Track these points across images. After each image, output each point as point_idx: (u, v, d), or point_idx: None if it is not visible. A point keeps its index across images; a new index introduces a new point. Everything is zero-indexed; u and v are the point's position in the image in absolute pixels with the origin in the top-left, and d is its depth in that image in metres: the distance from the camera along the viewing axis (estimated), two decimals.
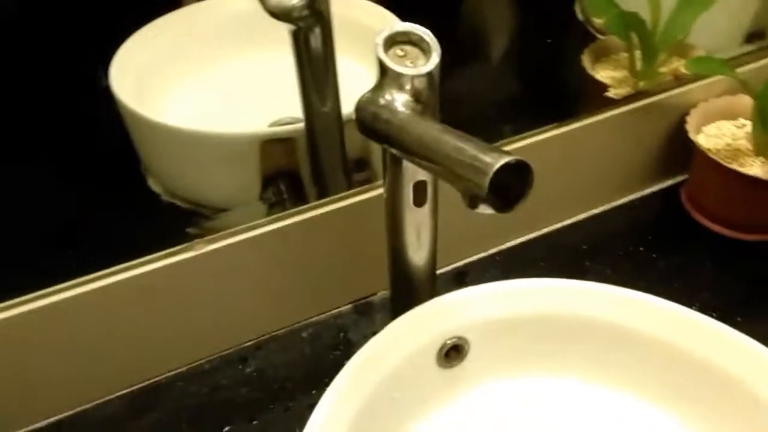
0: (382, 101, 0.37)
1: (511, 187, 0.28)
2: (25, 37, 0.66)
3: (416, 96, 0.36)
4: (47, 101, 0.69)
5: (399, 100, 0.36)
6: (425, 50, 0.37)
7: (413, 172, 0.41)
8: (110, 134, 0.69)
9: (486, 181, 0.27)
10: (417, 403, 0.46)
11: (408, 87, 0.36)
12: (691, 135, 0.61)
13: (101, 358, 0.51)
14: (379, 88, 0.37)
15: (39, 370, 0.49)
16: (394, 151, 0.37)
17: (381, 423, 0.44)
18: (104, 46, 0.67)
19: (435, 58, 0.36)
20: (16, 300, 0.47)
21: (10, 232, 0.59)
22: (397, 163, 0.40)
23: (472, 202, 0.28)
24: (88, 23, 0.71)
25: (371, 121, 0.37)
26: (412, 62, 0.37)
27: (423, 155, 0.33)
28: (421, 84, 0.36)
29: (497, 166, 0.27)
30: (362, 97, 0.38)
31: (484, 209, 0.28)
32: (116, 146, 0.67)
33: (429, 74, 0.36)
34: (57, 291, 0.48)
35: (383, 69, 0.37)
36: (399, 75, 0.36)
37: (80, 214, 0.63)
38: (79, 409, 0.52)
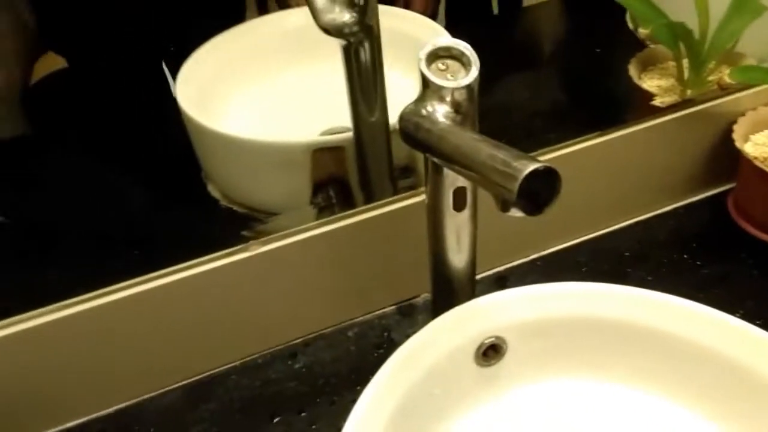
0: (423, 112, 0.39)
1: (540, 192, 0.30)
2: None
3: (456, 107, 0.39)
4: (123, 108, 0.75)
5: (440, 111, 0.39)
6: (465, 64, 0.39)
7: (453, 179, 0.43)
8: (175, 143, 0.74)
9: (516, 186, 0.29)
10: (455, 400, 0.48)
11: (448, 99, 0.39)
12: (738, 143, 0.61)
13: (162, 351, 0.55)
14: (421, 99, 0.40)
15: (106, 361, 0.53)
16: (434, 159, 0.39)
17: (420, 418, 0.46)
18: (176, 60, 0.72)
19: (474, 72, 0.38)
20: (85, 296, 0.51)
21: (83, 231, 0.64)
22: (438, 170, 0.42)
23: (504, 205, 0.30)
24: (163, 33, 0.76)
25: (413, 130, 0.39)
26: (452, 75, 0.39)
27: (460, 162, 0.35)
28: (460, 96, 0.38)
29: (526, 172, 0.29)
30: (405, 108, 0.41)
31: (515, 212, 0.30)
32: (180, 154, 0.72)
33: (468, 87, 0.38)
34: (123, 288, 0.51)
35: (425, 82, 0.39)
36: (440, 87, 0.38)
37: (146, 217, 0.68)
38: (140, 398, 0.56)
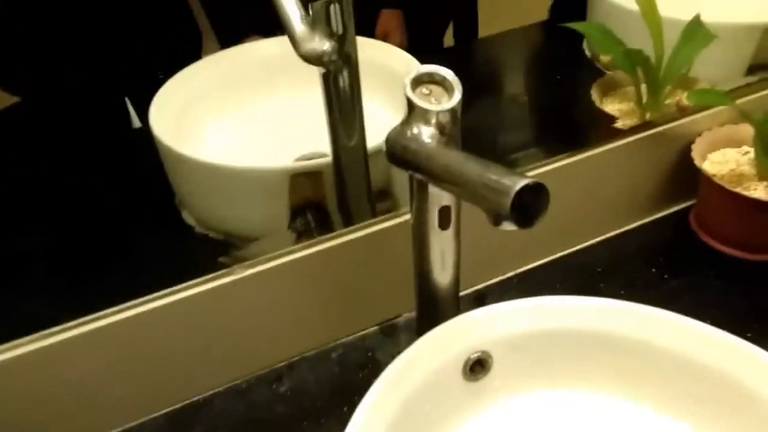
0: (409, 134, 0.41)
1: (529, 206, 0.31)
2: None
3: (441, 129, 0.40)
4: (90, 140, 0.74)
5: (425, 133, 0.40)
6: (448, 89, 0.41)
7: (438, 198, 0.44)
8: (144, 172, 0.73)
9: (508, 201, 0.30)
10: (445, 414, 0.48)
11: (433, 121, 0.40)
12: (697, 162, 0.65)
13: (145, 378, 0.55)
14: (407, 122, 0.41)
15: (87, 391, 0.53)
16: (422, 177, 0.41)
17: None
18: (144, 88, 0.72)
19: (457, 96, 0.41)
20: (65, 325, 0.50)
21: (55, 261, 0.63)
22: (423, 189, 0.44)
23: (496, 220, 0.32)
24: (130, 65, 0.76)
25: (401, 151, 0.41)
26: (436, 99, 0.41)
27: (450, 180, 0.36)
28: (445, 118, 0.40)
29: (517, 187, 0.30)
30: (392, 131, 0.42)
31: (507, 226, 0.32)
32: (151, 183, 0.72)
33: (452, 110, 0.40)
34: (103, 316, 0.51)
35: (411, 106, 0.41)
36: (425, 111, 0.40)
37: (120, 247, 0.67)
38: (125, 426, 0.55)
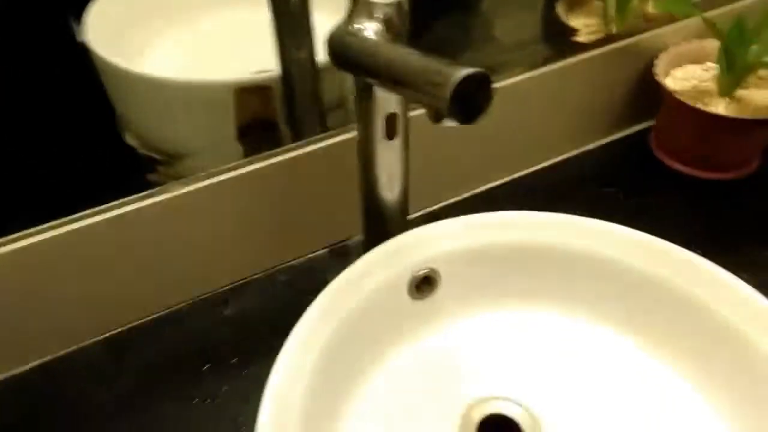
0: (352, 29, 0.37)
1: (473, 99, 0.29)
2: None
3: (387, 24, 0.37)
4: (24, 56, 0.69)
5: (369, 29, 0.37)
6: None
7: (384, 105, 0.41)
8: (86, 89, 0.69)
9: (448, 93, 0.28)
10: (390, 333, 0.47)
11: (378, 15, 0.37)
12: (660, 77, 0.63)
13: (81, 302, 0.52)
14: (350, 17, 0.38)
15: (22, 314, 0.50)
16: (365, 78, 0.38)
17: (354, 350, 0.45)
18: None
19: None
20: None
21: None
22: (368, 95, 0.41)
23: (437, 116, 0.29)
24: None
25: (343, 49, 0.37)
26: None
27: (392, 78, 0.33)
28: (390, 11, 0.37)
29: (459, 76, 0.27)
30: (333, 28, 0.39)
31: (448, 122, 0.29)
32: (91, 102, 0.67)
33: (398, 3, 0.37)
34: (35, 233, 0.48)
35: None
36: (369, 3, 0.37)
37: (57, 169, 0.63)
38: (62, 352, 0.52)
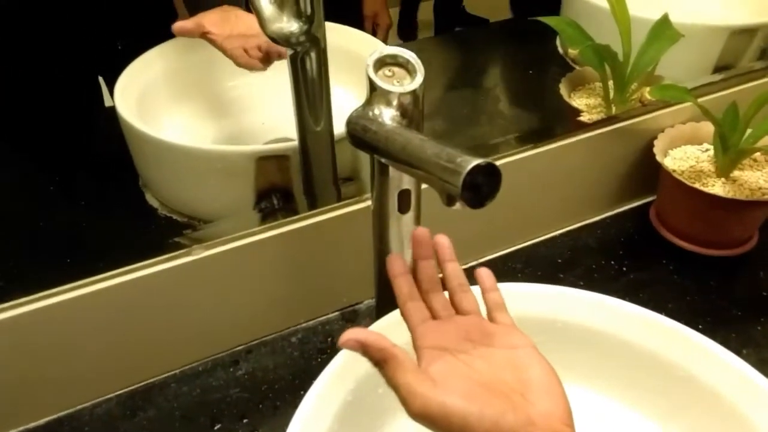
0: (371, 115, 0.41)
1: (482, 186, 0.32)
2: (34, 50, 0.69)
3: (402, 111, 0.40)
4: (54, 116, 0.73)
5: (386, 115, 0.40)
6: (411, 71, 0.41)
7: (398, 182, 0.44)
8: (110, 152, 0.72)
9: (460, 180, 0.31)
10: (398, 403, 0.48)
11: (395, 103, 0.40)
12: (659, 157, 0.66)
13: (99, 359, 0.54)
14: (368, 103, 0.41)
15: (39, 369, 0.52)
16: (381, 159, 0.41)
17: (366, 415, 0.46)
18: (110, 68, 0.71)
19: (419, 78, 0.40)
20: (19, 300, 0.49)
21: (16, 238, 0.62)
22: (384, 173, 0.44)
23: (450, 200, 0.32)
24: (97, 42, 0.74)
25: (361, 132, 0.41)
26: (399, 81, 0.41)
27: (407, 161, 0.36)
28: (406, 100, 0.40)
29: (470, 166, 0.30)
30: (353, 112, 0.42)
31: (459, 206, 0.32)
32: (116, 163, 0.70)
33: (414, 92, 0.40)
34: (57, 293, 0.50)
35: (373, 87, 0.41)
36: (387, 92, 0.40)
37: (79, 227, 0.66)
38: (77, 407, 0.54)
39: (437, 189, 0.33)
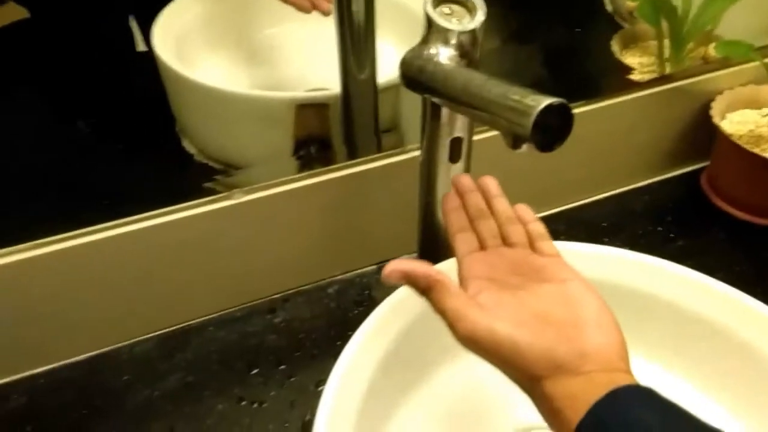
0: (426, 54, 0.39)
1: (553, 128, 0.30)
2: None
3: (461, 51, 0.38)
4: (87, 61, 0.72)
5: (444, 54, 0.38)
6: (471, 9, 0.39)
7: (450, 129, 0.43)
8: (144, 97, 0.71)
9: (530, 121, 0.29)
10: (439, 351, 0.48)
11: (453, 42, 0.38)
12: (715, 120, 0.63)
13: (137, 299, 0.54)
14: (425, 42, 0.39)
15: (79, 307, 0.52)
16: (437, 100, 0.39)
17: (405, 366, 0.46)
18: (145, 10, 0.69)
19: (480, 16, 0.38)
20: (60, 236, 0.49)
21: (55, 181, 0.61)
22: (436, 117, 0.42)
23: (516, 142, 0.30)
24: None
25: (416, 72, 0.39)
26: (458, 20, 0.39)
27: (468, 102, 0.35)
28: (466, 40, 0.38)
29: (541, 106, 0.29)
30: (408, 52, 0.40)
31: (527, 149, 0.30)
32: (151, 108, 0.69)
33: (473, 31, 0.38)
34: (98, 230, 0.50)
35: (430, 24, 0.39)
36: (446, 30, 0.38)
37: (116, 170, 0.65)
38: (115, 346, 0.54)
39: (502, 131, 0.32)
